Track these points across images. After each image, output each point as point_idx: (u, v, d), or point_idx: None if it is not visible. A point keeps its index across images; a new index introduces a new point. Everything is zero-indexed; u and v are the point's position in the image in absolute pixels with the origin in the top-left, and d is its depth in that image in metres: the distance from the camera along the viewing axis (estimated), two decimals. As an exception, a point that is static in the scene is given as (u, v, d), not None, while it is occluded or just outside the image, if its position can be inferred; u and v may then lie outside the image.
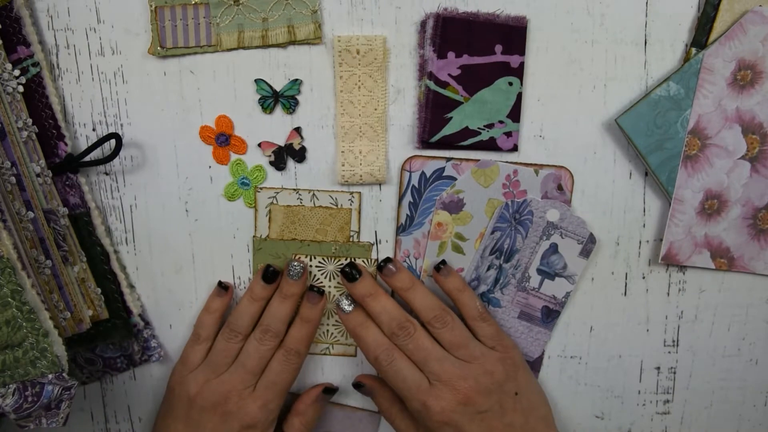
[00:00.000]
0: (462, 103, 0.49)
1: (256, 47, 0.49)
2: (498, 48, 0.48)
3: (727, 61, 0.48)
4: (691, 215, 0.50)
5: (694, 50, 0.48)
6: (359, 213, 0.52)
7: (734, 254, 0.51)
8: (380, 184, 0.52)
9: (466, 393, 0.46)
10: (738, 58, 0.48)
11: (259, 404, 0.49)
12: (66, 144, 0.50)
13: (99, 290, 0.51)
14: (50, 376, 0.43)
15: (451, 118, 0.50)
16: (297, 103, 0.50)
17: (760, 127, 0.49)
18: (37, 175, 0.48)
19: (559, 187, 0.51)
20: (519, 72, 0.49)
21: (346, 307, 0.50)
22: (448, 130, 0.50)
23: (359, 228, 0.52)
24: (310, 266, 0.52)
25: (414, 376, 0.47)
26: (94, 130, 0.51)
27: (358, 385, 0.54)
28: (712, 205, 0.50)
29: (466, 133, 0.50)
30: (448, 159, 0.50)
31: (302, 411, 0.52)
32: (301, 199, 0.52)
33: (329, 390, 0.54)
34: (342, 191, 0.52)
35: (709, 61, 0.48)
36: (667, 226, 0.50)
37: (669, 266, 0.53)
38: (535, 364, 0.54)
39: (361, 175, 0.51)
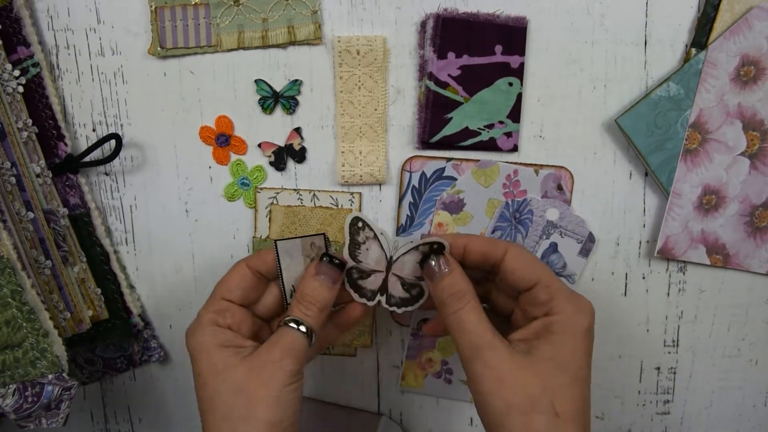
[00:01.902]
0: (462, 103, 0.49)
1: (256, 47, 0.49)
2: (498, 48, 0.48)
3: (731, 56, 0.48)
4: (689, 210, 0.50)
5: (694, 50, 0.48)
6: (359, 213, 0.52)
7: (730, 251, 0.51)
8: (380, 185, 0.52)
9: None
10: (742, 53, 0.48)
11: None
12: (66, 144, 0.50)
13: (99, 290, 0.51)
14: (50, 376, 0.43)
15: (451, 118, 0.50)
16: (297, 103, 0.50)
17: (761, 124, 0.49)
18: (37, 176, 0.48)
19: (559, 187, 0.51)
20: (519, 72, 0.49)
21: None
22: (448, 131, 0.50)
23: (359, 228, 0.52)
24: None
25: None
26: (94, 130, 0.51)
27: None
28: (710, 201, 0.50)
29: (466, 133, 0.50)
30: (449, 159, 0.50)
31: (302, 292, 0.43)
32: (301, 200, 0.52)
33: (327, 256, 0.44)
34: (342, 191, 0.52)
35: (713, 54, 0.48)
36: (664, 220, 0.50)
37: (669, 266, 0.53)
38: (535, 364, 0.54)
39: (361, 176, 0.51)
